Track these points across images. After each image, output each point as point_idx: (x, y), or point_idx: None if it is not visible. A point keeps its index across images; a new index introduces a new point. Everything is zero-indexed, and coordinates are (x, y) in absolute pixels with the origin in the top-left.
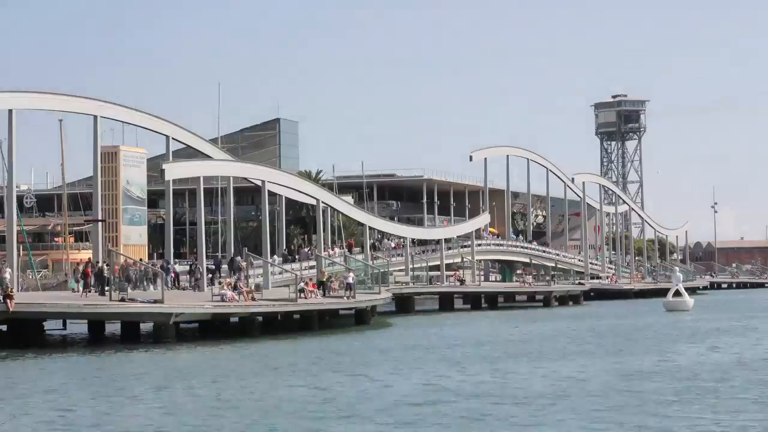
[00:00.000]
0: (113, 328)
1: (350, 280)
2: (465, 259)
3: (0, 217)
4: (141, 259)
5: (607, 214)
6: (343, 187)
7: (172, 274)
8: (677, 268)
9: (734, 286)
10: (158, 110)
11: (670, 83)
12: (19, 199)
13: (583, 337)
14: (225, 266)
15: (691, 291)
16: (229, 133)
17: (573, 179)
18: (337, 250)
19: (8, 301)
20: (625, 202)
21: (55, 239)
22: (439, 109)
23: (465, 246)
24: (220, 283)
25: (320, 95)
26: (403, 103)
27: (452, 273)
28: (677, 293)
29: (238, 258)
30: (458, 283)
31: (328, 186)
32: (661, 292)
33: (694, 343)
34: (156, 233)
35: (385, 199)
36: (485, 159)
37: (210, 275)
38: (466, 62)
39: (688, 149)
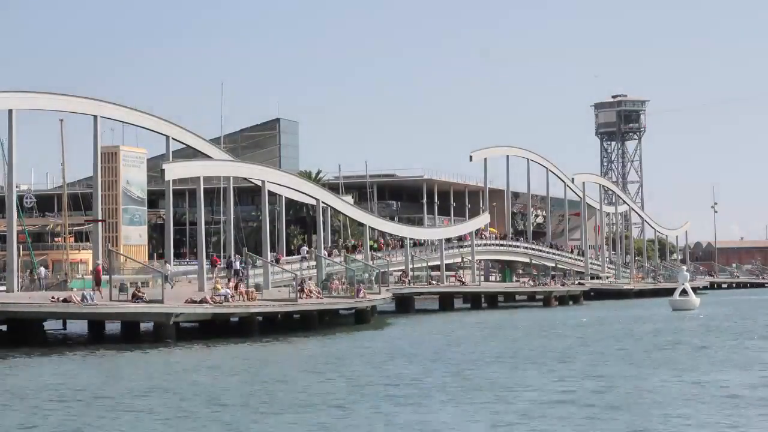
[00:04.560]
0: (112, 327)
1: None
2: (465, 259)
3: (0, 217)
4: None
5: (607, 214)
6: (343, 187)
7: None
8: (684, 267)
9: (734, 286)
10: (158, 110)
11: (670, 83)
12: (19, 199)
13: None
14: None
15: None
16: (230, 133)
17: (573, 179)
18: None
19: None
20: (625, 202)
21: (55, 239)
22: (439, 109)
23: (465, 246)
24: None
25: (320, 95)
26: (403, 103)
27: (452, 273)
28: (683, 292)
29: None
30: (459, 283)
31: (330, 186)
32: (661, 292)
33: None
34: (156, 233)
35: (385, 199)
36: (485, 159)
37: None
38: (466, 62)
39: (688, 149)
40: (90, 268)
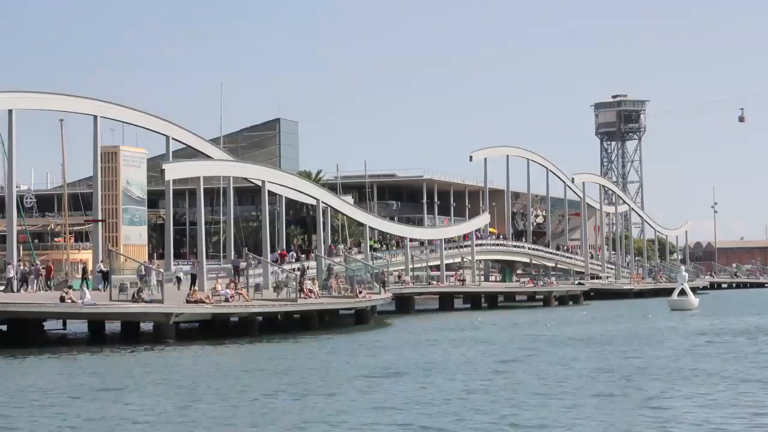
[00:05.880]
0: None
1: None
2: (465, 259)
3: (0, 217)
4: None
5: (607, 214)
6: (343, 187)
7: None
8: (683, 267)
9: (734, 286)
10: (158, 110)
11: (670, 83)
12: (19, 199)
13: None
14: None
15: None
16: (230, 133)
17: (573, 179)
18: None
19: None
20: (625, 202)
21: (55, 239)
22: (439, 109)
23: (465, 246)
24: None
25: (320, 95)
26: (403, 103)
27: (453, 273)
28: (682, 292)
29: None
30: (459, 283)
31: (330, 186)
32: (661, 293)
33: None
34: (156, 233)
35: (385, 199)
36: (485, 159)
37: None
38: (467, 62)
39: (688, 149)
40: (90, 267)
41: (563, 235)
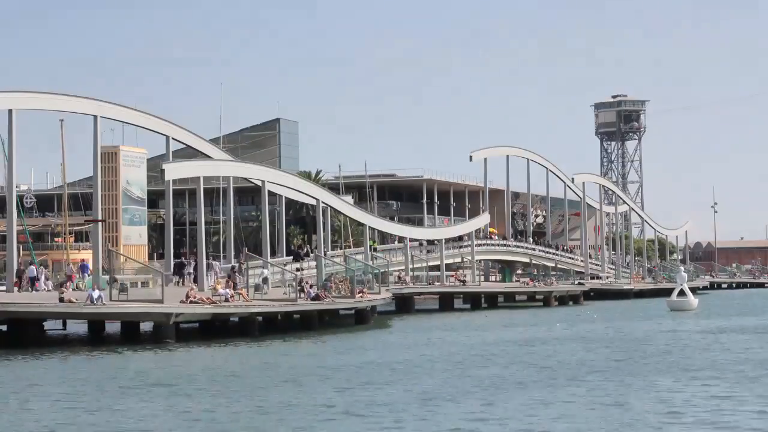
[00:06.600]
0: (112, 327)
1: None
2: (465, 259)
3: (0, 217)
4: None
5: (607, 214)
6: (343, 187)
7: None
8: (682, 267)
9: (734, 286)
10: (158, 110)
11: (670, 83)
12: (19, 199)
13: None
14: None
15: (691, 291)
16: (230, 133)
17: (573, 179)
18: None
19: None
20: (625, 202)
21: (55, 239)
22: (439, 109)
23: (465, 246)
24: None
25: (320, 95)
26: (403, 103)
27: (452, 273)
28: (681, 293)
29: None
30: (459, 283)
31: (330, 186)
32: (661, 293)
33: None
34: (156, 233)
35: (385, 199)
36: (485, 159)
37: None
38: (467, 62)
39: (688, 149)
40: (91, 266)
41: (563, 235)
